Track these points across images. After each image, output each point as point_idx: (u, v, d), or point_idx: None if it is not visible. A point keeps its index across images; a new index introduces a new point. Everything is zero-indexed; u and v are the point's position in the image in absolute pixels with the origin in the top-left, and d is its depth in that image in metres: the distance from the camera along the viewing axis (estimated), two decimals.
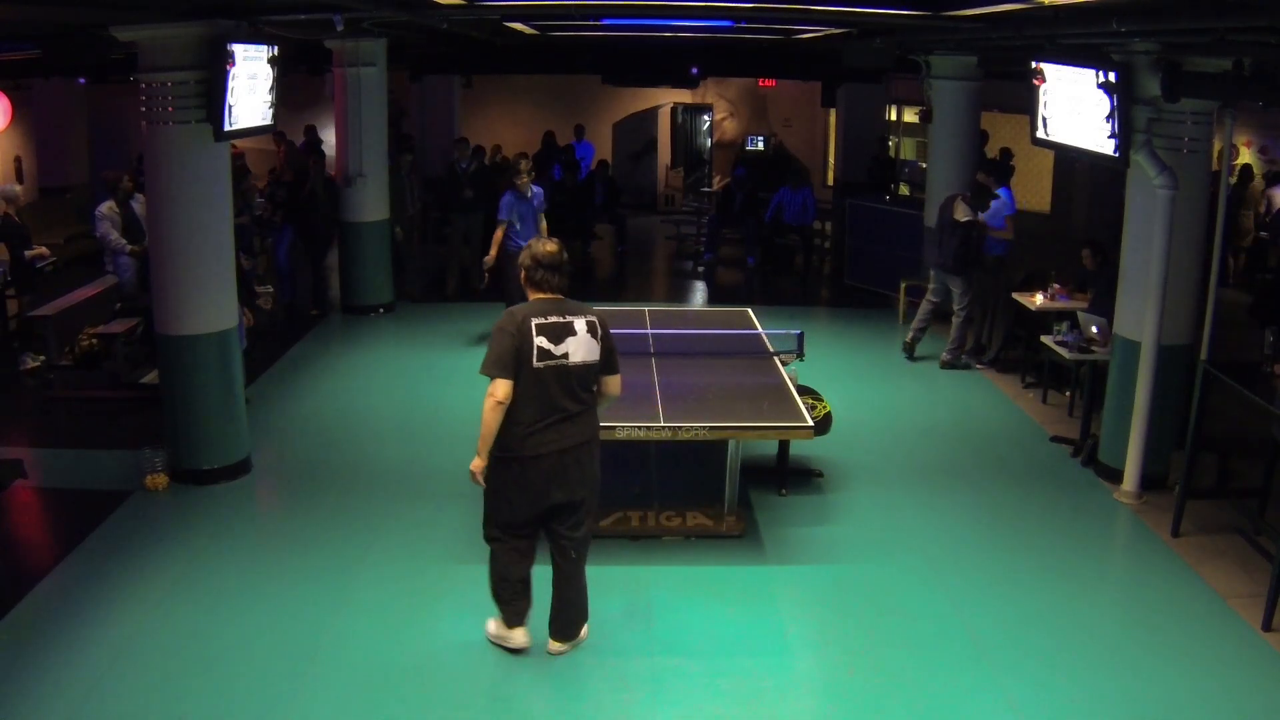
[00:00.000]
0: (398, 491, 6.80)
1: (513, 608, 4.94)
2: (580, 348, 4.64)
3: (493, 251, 9.25)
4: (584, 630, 5.06)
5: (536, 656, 4.96)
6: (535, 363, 4.55)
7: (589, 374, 4.71)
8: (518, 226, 9.27)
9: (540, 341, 4.57)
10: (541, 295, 4.71)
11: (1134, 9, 5.47)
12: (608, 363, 4.78)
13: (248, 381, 7.44)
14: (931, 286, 9.64)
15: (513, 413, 4.57)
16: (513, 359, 4.54)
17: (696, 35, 12.50)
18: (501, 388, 4.51)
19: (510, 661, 4.94)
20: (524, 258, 4.74)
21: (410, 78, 15.70)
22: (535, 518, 4.77)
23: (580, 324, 4.67)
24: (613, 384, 4.84)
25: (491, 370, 4.55)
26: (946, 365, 9.53)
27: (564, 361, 4.60)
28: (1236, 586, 5.71)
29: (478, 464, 4.63)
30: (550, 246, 4.74)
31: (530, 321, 4.59)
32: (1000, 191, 9.48)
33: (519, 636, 4.96)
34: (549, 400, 4.60)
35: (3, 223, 9.58)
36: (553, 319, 4.63)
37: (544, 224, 9.59)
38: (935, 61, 10.88)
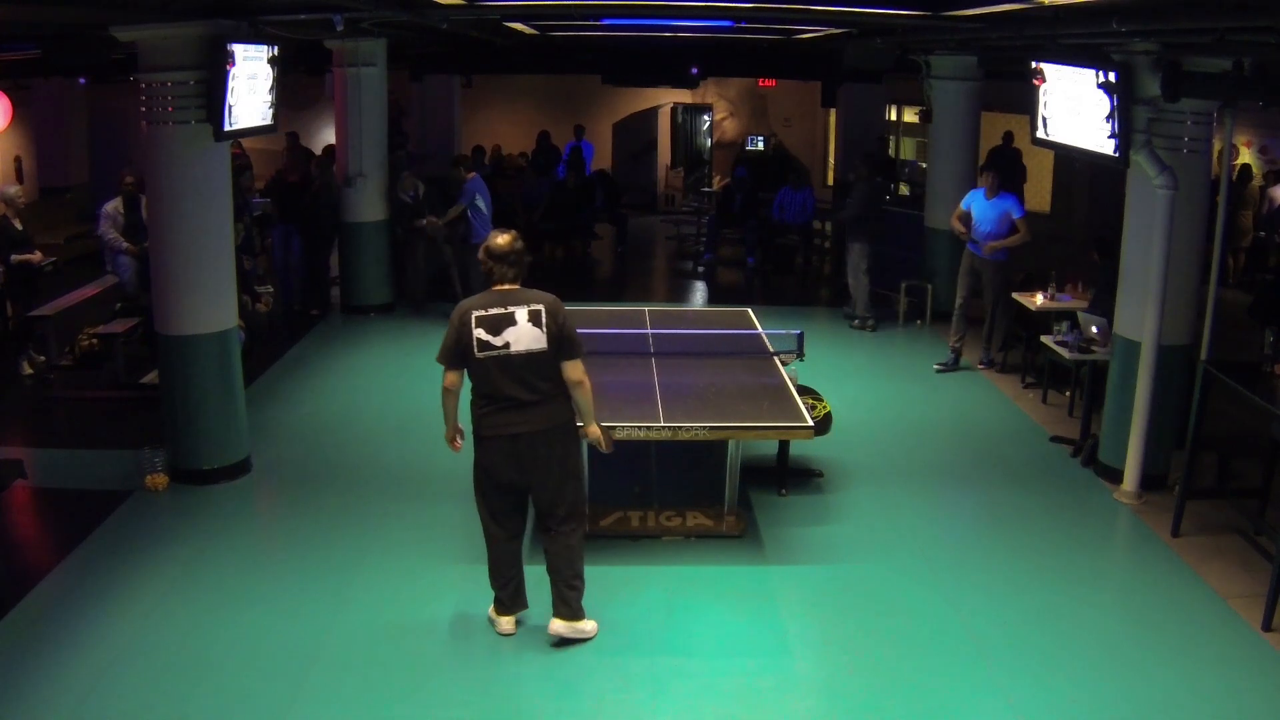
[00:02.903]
0: (398, 491, 6.80)
1: (501, 597, 5.12)
2: (522, 337, 4.73)
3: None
4: (590, 626, 5.06)
5: (537, 656, 4.97)
6: (477, 354, 4.74)
7: (538, 362, 4.76)
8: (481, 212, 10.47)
9: (479, 333, 4.73)
10: (497, 287, 4.83)
11: (1134, 9, 5.46)
12: (561, 349, 4.78)
13: (247, 382, 7.43)
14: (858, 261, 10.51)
15: (474, 396, 4.87)
16: (455, 350, 4.80)
17: (696, 35, 12.50)
18: (446, 376, 4.86)
19: (511, 661, 4.95)
20: (480, 251, 4.89)
21: (410, 78, 15.71)
22: (505, 497, 4.95)
23: (521, 313, 4.75)
24: (570, 369, 4.82)
25: (439, 359, 4.88)
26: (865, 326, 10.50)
27: (505, 351, 4.73)
28: (1236, 586, 5.71)
29: (446, 434, 5.04)
30: (501, 239, 4.84)
31: (470, 314, 4.77)
32: (1005, 196, 9.33)
33: (505, 624, 5.15)
34: (495, 388, 4.77)
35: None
36: (493, 310, 4.76)
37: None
38: (935, 61, 10.88)
